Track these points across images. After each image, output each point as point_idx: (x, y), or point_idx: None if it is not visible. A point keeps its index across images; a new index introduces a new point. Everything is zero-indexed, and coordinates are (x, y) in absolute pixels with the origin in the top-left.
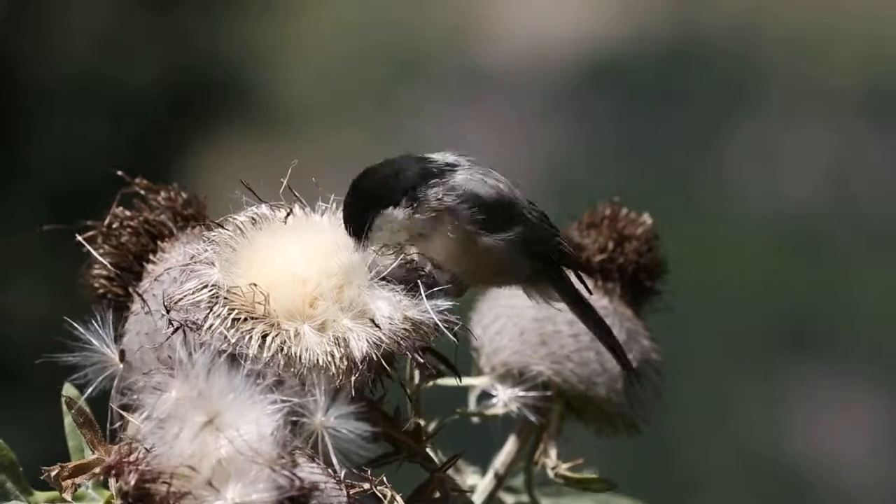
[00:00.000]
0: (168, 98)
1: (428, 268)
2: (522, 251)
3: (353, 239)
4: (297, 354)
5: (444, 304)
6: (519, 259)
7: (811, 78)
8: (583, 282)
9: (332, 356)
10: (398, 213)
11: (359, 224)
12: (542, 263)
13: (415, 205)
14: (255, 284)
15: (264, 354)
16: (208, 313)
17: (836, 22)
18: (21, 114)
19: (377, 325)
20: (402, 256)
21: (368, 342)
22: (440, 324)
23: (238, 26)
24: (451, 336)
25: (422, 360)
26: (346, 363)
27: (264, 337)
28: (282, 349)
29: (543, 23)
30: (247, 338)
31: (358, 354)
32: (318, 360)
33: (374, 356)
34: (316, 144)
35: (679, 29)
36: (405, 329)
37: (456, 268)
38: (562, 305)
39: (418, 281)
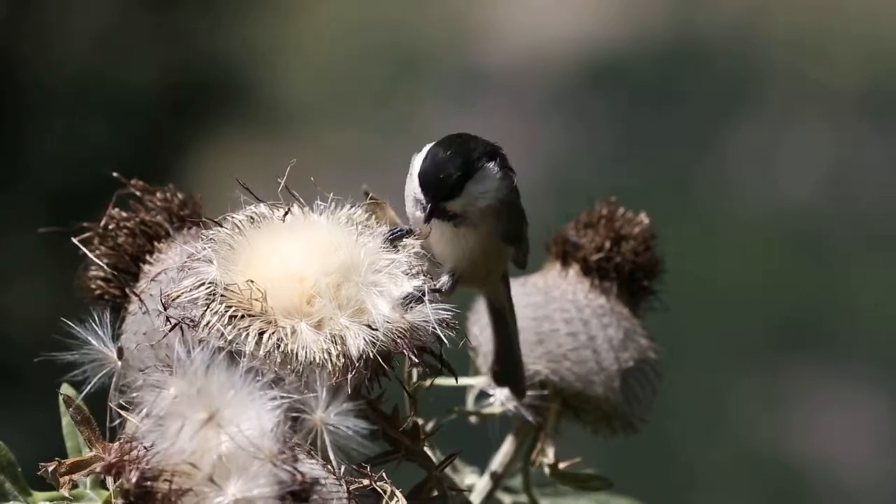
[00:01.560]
0: (168, 98)
1: (426, 266)
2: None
3: (439, 199)
4: (294, 352)
5: (444, 311)
6: (506, 256)
7: (811, 78)
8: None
9: (329, 354)
10: (496, 169)
11: (460, 174)
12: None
13: (504, 168)
14: (251, 281)
15: (261, 351)
16: (205, 310)
17: (836, 22)
18: (21, 114)
19: (375, 323)
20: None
21: (365, 340)
22: (438, 329)
23: (238, 26)
24: (448, 342)
25: (417, 359)
26: (342, 361)
27: (261, 334)
28: (278, 346)
29: (543, 23)
30: (243, 335)
31: (355, 352)
32: (314, 358)
33: (371, 354)
34: (316, 144)
35: (679, 29)
36: (401, 328)
37: (466, 270)
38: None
39: (423, 283)
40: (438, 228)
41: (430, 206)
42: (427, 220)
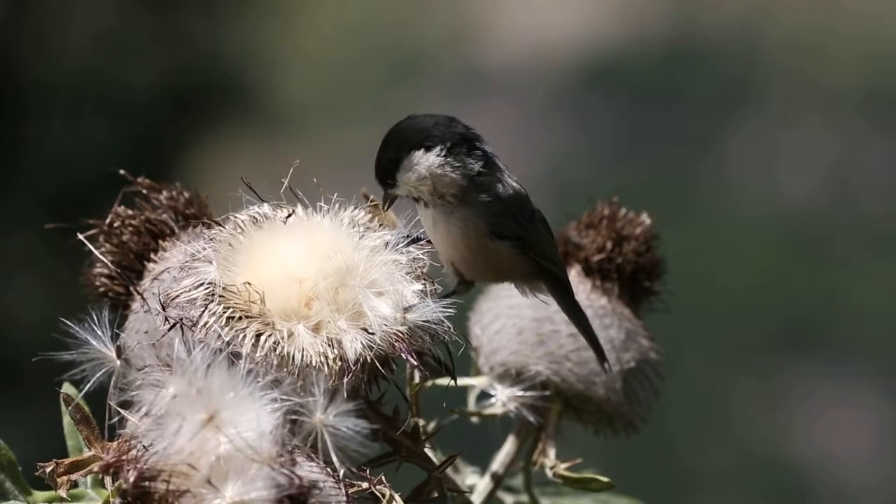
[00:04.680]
0: (168, 98)
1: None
2: (525, 256)
3: (381, 183)
4: (291, 354)
5: (444, 309)
6: (524, 263)
7: (811, 78)
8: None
9: (326, 357)
10: (430, 158)
11: (389, 161)
12: (539, 266)
13: (449, 158)
14: (249, 283)
15: (258, 353)
16: (203, 311)
17: (836, 22)
18: (21, 114)
19: (372, 327)
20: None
21: (362, 344)
22: (438, 330)
23: (238, 26)
24: (447, 344)
25: (416, 363)
26: (339, 364)
27: (258, 336)
28: (275, 349)
29: (543, 23)
30: (240, 336)
31: (351, 356)
32: (311, 361)
33: (368, 358)
34: (316, 144)
35: (679, 29)
36: (399, 332)
37: (463, 266)
38: (551, 301)
39: (426, 285)
40: (423, 215)
41: (384, 191)
42: (382, 205)
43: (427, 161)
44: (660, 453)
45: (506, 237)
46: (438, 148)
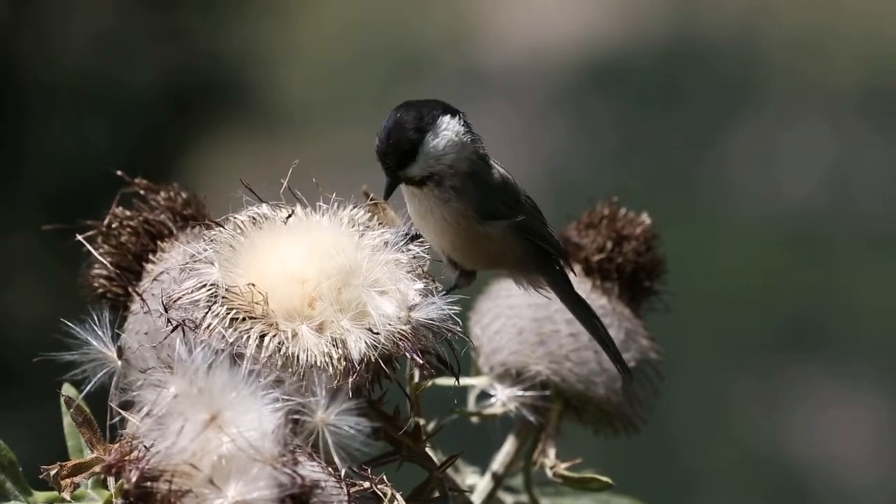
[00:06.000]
0: (168, 98)
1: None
2: (518, 237)
3: (394, 166)
4: (295, 355)
5: (448, 308)
6: (515, 245)
7: (811, 78)
8: (573, 271)
9: (330, 357)
10: (456, 124)
11: (413, 137)
12: (536, 251)
13: (467, 127)
14: (252, 284)
15: (262, 354)
16: (206, 312)
17: (836, 22)
18: (21, 114)
19: (376, 327)
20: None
21: (367, 343)
22: (443, 328)
23: (238, 26)
24: (452, 342)
25: (420, 362)
26: (343, 364)
27: (262, 337)
28: (279, 349)
29: (543, 23)
30: (244, 337)
31: (356, 355)
32: (315, 361)
33: (372, 357)
34: (316, 144)
35: (679, 29)
36: (403, 331)
37: (456, 255)
38: (554, 297)
39: (428, 283)
40: (414, 204)
41: (386, 179)
42: (385, 195)
43: (455, 127)
44: (660, 453)
45: (494, 218)
46: (459, 115)
